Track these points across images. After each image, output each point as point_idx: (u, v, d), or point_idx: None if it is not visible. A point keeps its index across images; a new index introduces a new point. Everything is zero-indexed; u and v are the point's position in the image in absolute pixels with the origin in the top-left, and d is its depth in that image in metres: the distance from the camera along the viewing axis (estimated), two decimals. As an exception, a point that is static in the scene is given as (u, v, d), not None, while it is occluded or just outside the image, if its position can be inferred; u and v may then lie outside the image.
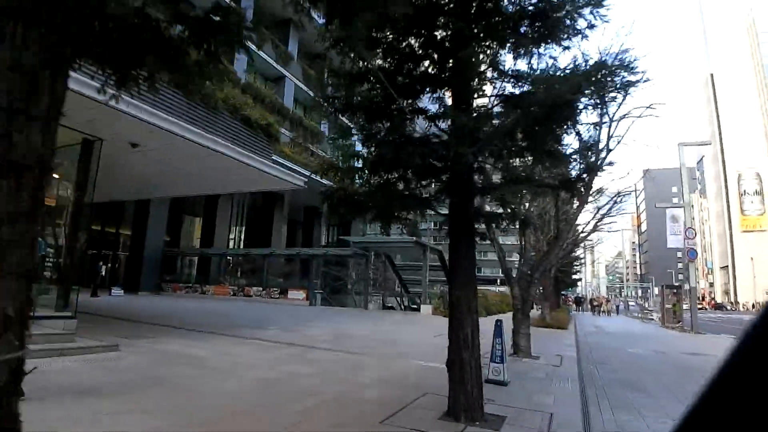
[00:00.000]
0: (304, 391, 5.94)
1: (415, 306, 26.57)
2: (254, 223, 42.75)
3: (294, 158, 32.20)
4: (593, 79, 4.16)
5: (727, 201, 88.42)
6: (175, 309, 18.07)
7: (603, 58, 4.27)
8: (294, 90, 39.87)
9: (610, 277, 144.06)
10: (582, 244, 21.74)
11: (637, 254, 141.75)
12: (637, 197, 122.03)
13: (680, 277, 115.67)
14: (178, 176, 13.80)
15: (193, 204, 38.43)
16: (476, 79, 4.87)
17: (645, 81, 4.60)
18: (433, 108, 5.03)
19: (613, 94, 4.40)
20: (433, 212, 5.35)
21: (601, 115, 5.69)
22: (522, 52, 4.54)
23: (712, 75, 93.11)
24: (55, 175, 11.57)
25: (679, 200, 36.53)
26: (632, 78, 4.52)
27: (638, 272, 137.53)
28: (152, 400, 5.14)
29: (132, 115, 9.48)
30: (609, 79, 4.27)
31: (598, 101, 4.32)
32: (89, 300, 20.48)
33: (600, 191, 11.62)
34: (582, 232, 11.99)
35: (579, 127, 4.77)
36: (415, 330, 15.47)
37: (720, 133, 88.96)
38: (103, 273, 24.20)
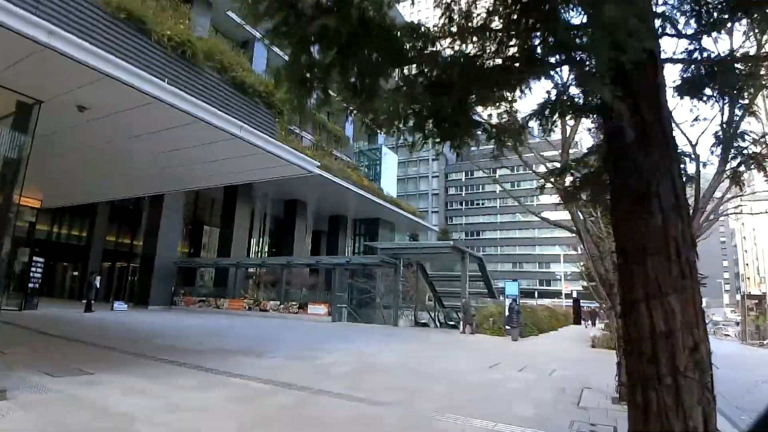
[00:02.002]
0: None
1: (452, 323, 23.20)
2: (276, 233, 40.34)
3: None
4: None
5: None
6: (171, 328, 15.23)
7: None
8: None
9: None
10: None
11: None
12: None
13: (727, 287, 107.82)
14: (148, 159, 10.86)
15: (212, 214, 36.34)
16: None
17: None
18: None
19: None
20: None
21: None
22: None
23: None
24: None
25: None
26: None
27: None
28: None
29: (75, 58, 6.61)
30: None
31: None
32: (80, 316, 17.98)
33: None
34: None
35: None
36: (459, 357, 12.13)
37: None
38: (98, 285, 21.65)
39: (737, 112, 3.33)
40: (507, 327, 19.33)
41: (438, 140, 2.51)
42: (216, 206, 33.87)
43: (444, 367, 9.60)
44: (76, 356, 8.26)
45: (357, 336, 15.76)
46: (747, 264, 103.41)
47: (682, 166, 2.13)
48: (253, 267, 28.22)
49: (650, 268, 1.94)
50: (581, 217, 7.79)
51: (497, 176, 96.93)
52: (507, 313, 19.51)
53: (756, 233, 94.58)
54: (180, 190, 20.28)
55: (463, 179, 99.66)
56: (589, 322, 37.76)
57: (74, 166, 12.40)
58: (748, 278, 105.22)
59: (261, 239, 42.05)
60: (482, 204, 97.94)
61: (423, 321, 25.49)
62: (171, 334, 13.16)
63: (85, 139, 10.14)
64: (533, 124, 2.57)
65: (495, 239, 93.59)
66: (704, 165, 3.88)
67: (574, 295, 58.99)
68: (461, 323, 20.61)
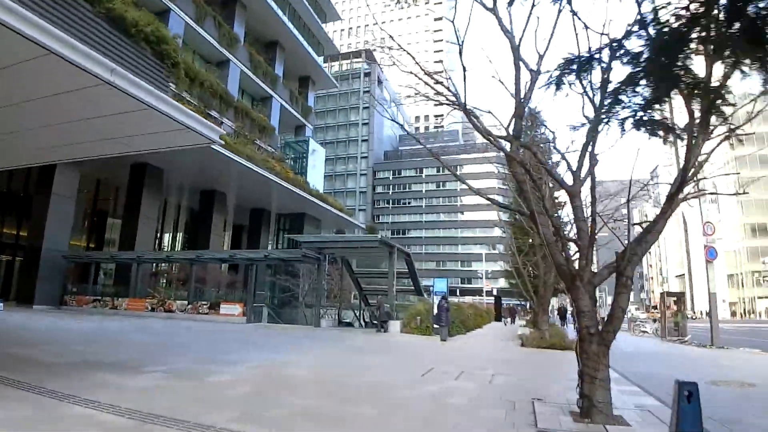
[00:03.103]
0: None
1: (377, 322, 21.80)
2: (191, 227, 37.15)
3: (236, 149, 27.02)
4: None
5: (629, 227, 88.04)
6: (43, 332, 12.53)
7: None
8: (240, 77, 34.81)
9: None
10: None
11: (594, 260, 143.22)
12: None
13: (641, 285, 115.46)
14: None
15: (116, 204, 32.69)
16: None
17: None
18: None
19: None
20: None
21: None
22: None
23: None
24: None
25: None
26: None
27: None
28: None
29: None
30: None
31: None
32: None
33: None
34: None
35: None
36: (387, 363, 10.65)
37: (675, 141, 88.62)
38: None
39: None
40: (435, 326, 18.27)
41: None
42: (121, 195, 30.31)
43: (370, 378, 8.05)
44: None
45: (271, 340, 13.88)
46: (651, 265, 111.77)
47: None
48: (156, 262, 25.09)
49: None
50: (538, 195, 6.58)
51: (424, 176, 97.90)
52: (436, 311, 18.44)
53: (660, 237, 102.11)
54: (49, 162, 16.81)
55: (391, 178, 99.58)
56: (509, 319, 38.06)
57: None
58: (652, 278, 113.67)
59: (174, 233, 38.64)
60: (408, 203, 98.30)
61: (347, 320, 23.93)
62: (38, 340, 10.60)
63: None
64: None
65: (420, 238, 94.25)
66: None
67: (495, 292, 60.45)
68: (382, 322, 19.46)
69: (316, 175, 42.54)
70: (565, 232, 9.51)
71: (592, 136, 5.60)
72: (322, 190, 42.34)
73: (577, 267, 6.11)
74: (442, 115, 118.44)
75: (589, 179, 6.23)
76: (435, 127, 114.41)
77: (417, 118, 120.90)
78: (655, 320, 28.82)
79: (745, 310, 68.88)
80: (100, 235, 32.38)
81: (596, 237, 6.08)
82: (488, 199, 7.45)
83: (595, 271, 6.34)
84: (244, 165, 26.22)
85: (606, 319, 5.77)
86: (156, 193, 27.53)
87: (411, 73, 7.64)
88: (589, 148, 5.99)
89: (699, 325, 37.71)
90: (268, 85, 38.11)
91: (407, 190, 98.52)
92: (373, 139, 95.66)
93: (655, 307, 77.05)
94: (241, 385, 6.60)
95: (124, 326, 15.78)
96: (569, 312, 37.85)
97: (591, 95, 5.50)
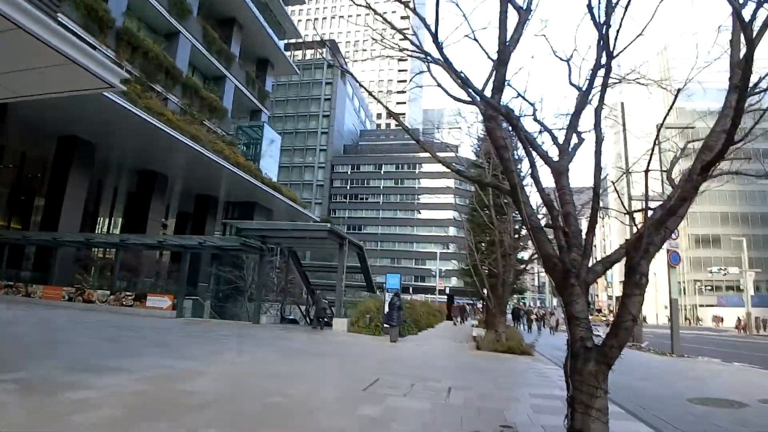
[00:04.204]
0: None
1: (325, 319, 20.11)
2: (127, 210, 34.21)
3: (179, 126, 24.60)
4: None
5: (631, 216, 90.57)
6: None
7: None
8: (191, 53, 32.06)
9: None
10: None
11: (534, 264, 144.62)
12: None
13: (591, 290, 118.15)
14: None
15: (44, 181, 29.45)
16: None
17: None
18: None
19: None
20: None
21: None
22: None
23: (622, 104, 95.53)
24: None
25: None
26: None
27: (535, 283, 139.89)
28: None
29: None
30: None
31: None
32: None
33: None
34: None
35: None
36: (323, 371, 8.95)
37: (625, 142, 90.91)
38: None
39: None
40: (386, 325, 16.78)
41: None
42: (45, 172, 27.25)
43: (296, 394, 6.34)
44: None
45: (190, 340, 11.90)
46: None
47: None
48: (75, 245, 22.30)
49: None
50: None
51: (383, 172, 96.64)
52: (387, 308, 16.93)
53: (606, 242, 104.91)
54: None
55: (349, 172, 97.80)
56: (459, 319, 37.28)
57: None
58: (597, 283, 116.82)
59: (111, 218, 35.57)
60: (366, 198, 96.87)
61: (291, 317, 22.08)
62: None
63: None
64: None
65: (376, 234, 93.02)
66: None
67: (447, 291, 59.95)
68: (319, 319, 18.01)
69: (270, 164, 40.23)
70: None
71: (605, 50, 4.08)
72: (276, 180, 40.12)
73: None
74: (404, 114, 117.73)
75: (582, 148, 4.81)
76: (396, 125, 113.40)
77: (379, 116, 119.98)
78: (608, 324, 28.38)
79: (686, 316, 71.37)
80: (26, 215, 29.08)
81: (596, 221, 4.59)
82: (455, 170, 5.89)
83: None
84: (185, 143, 23.87)
85: (609, 330, 4.31)
86: (86, 170, 24.64)
87: (366, 6, 5.98)
88: (593, 98, 4.54)
89: (645, 330, 37.93)
90: (222, 63, 35.50)
91: (365, 185, 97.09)
92: (333, 132, 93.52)
93: (599, 310, 78.52)
94: (107, 405, 4.72)
95: (20, 316, 13.38)
96: (524, 312, 37.45)
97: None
